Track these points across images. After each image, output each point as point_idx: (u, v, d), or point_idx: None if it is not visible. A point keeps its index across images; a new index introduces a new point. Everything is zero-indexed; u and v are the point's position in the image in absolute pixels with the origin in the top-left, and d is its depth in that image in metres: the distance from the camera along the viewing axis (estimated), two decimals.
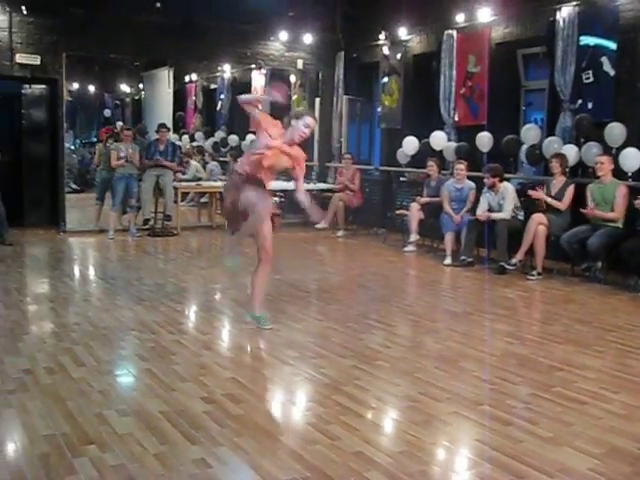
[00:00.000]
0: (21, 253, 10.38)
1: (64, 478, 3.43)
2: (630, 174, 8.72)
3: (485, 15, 10.88)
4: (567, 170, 9.10)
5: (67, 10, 11.80)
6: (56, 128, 12.48)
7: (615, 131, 8.89)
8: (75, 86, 21.05)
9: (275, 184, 14.20)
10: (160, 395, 4.58)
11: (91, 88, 22.96)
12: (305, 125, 6.16)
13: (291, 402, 4.70)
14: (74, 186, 17.47)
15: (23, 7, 11.63)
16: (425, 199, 10.66)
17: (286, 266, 9.39)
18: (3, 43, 11.68)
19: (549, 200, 8.86)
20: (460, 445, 4.03)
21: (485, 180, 9.37)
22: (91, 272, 9.59)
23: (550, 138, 9.73)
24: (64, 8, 11.77)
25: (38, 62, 11.92)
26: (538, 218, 8.80)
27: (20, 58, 11.78)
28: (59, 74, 12.12)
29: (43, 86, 12.65)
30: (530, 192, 9.13)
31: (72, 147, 21.07)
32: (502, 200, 9.27)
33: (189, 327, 6.62)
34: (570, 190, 8.85)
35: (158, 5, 12.35)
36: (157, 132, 12.36)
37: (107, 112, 23.62)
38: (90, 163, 18.18)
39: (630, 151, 8.64)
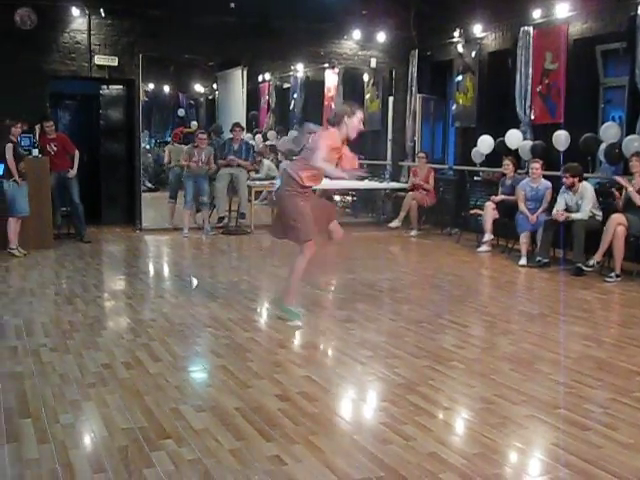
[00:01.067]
0: (99, 250, 10.63)
1: (142, 471, 3.50)
2: None
3: (563, 10, 10.66)
4: None
5: (143, 12, 12.02)
6: (132, 128, 12.74)
7: None
8: (151, 86, 21.45)
9: (348, 183, 14.31)
10: (235, 391, 4.63)
11: (166, 88, 23.34)
12: (360, 120, 6.37)
13: (365, 401, 4.69)
14: (149, 185, 17.81)
15: (101, 10, 11.91)
16: (500, 197, 10.52)
17: (359, 265, 9.40)
18: (82, 45, 11.98)
19: (634, 195, 8.59)
20: (536, 449, 3.96)
21: (564, 180, 9.17)
22: (166, 269, 9.75)
23: (630, 136, 9.49)
24: (140, 10, 12.00)
25: (116, 63, 12.19)
26: (617, 218, 8.58)
27: (98, 59, 12.07)
28: (135, 75, 12.37)
29: (120, 87, 12.95)
30: (617, 178, 8.91)
31: (147, 146, 21.47)
32: (580, 200, 9.08)
33: (263, 325, 6.68)
34: None
35: (232, 5, 12.46)
36: (231, 131, 12.51)
37: (181, 112, 23.98)
38: (164, 162, 18.50)
39: None
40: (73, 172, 10.87)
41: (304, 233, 6.42)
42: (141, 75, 12.47)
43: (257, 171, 14.39)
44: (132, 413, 4.21)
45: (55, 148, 10.84)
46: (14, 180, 9.53)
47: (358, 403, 4.65)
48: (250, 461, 3.62)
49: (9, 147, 9.54)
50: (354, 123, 6.36)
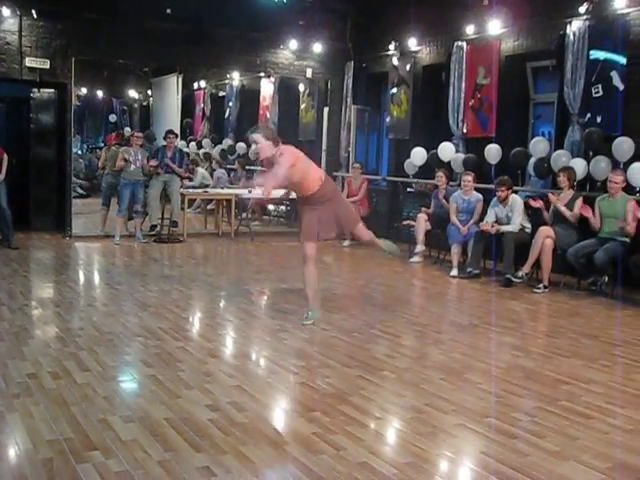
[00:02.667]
0: (27, 257, 10.39)
1: None
2: (638, 189, 8.69)
3: (495, 27, 10.88)
4: (575, 184, 9.08)
5: (77, 15, 11.82)
6: (64, 132, 12.48)
7: (624, 146, 8.86)
8: (84, 91, 21.13)
9: (282, 193, 14.30)
10: (165, 402, 4.57)
11: (99, 93, 23.02)
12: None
13: (296, 411, 4.68)
14: (81, 191, 17.53)
15: (33, 11, 11.65)
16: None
17: (292, 275, 9.37)
18: (13, 47, 11.71)
19: (561, 209, 8.80)
20: (465, 457, 4.01)
21: (498, 193, 9.31)
22: (96, 277, 9.59)
23: (558, 151, 9.72)
24: (74, 12, 11.79)
25: (47, 66, 11.92)
26: (545, 231, 8.78)
27: (29, 62, 11.79)
28: (68, 78, 12.13)
29: (52, 90, 12.70)
30: (530, 201, 9.13)
31: (79, 152, 21.14)
32: (510, 212, 9.25)
33: (194, 334, 6.61)
34: (580, 202, 8.82)
35: (168, 11, 12.37)
36: (165, 138, 12.35)
37: (112, 117, 23.68)
38: (97, 168, 18.23)
39: (638, 166, 8.61)
40: (1, 176, 10.59)
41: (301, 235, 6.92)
42: (74, 79, 12.23)
43: (191, 179, 14.29)
44: (58, 424, 4.12)
45: None
46: None
47: (289, 413, 4.64)
48: (179, 472, 3.57)
49: None
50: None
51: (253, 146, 6.69)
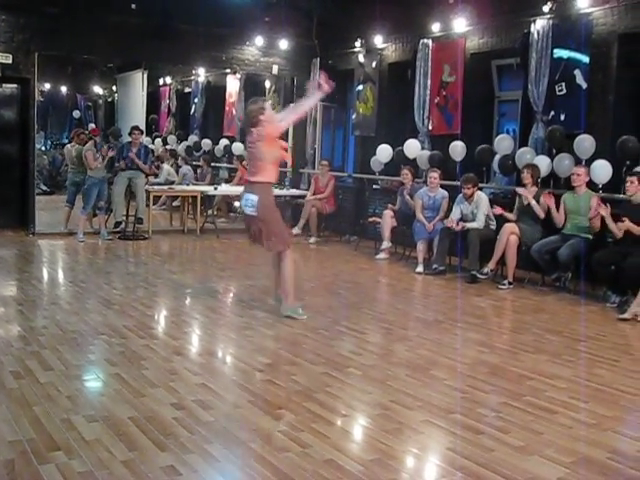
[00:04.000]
0: None
1: None
2: (600, 186, 8.79)
3: (460, 25, 10.93)
4: (539, 181, 9.16)
5: (40, 8, 11.65)
6: (27, 128, 12.31)
7: (585, 143, 8.95)
8: (47, 86, 20.86)
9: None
10: (129, 401, 4.53)
11: (63, 89, 22.75)
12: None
13: (262, 409, 4.65)
14: (44, 188, 17.32)
15: None
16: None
17: (258, 272, 9.35)
18: None
19: (532, 202, 8.85)
20: (431, 453, 4.03)
21: (465, 190, 9.36)
22: (60, 275, 9.48)
23: (523, 149, 9.79)
24: (37, 6, 11.63)
25: (10, 61, 11.73)
26: (510, 228, 8.85)
27: None
28: (31, 74, 11.95)
29: (14, 85, 12.49)
30: (495, 209, 9.21)
31: (43, 148, 20.88)
32: (476, 209, 9.31)
33: (159, 332, 6.55)
34: (545, 194, 8.88)
35: (133, 6, 12.25)
36: (130, 135, 12.24)
37: (77, 113, 23.42)
38: (60, 164, 18.03)
39: (600, 163, 8.71)
40: None
41: (286, 242, 6.92)
42: (37, 74, 12.06)
43: (156, 175, 14.18)
44: (20, 424, 4.06)
45: None
46: None
47: (254, 411, 4.61)
48: (144, 472, 3.55)
49: None
50: (268, 117, 6.65)
51: (260, 116, 6.60)
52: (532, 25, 9.70)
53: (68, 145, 13.03)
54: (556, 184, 9.40)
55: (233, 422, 4.32)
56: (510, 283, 8.77)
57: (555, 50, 9.48)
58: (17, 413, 4.24)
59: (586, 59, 9.18)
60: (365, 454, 3.91)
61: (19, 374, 4.98)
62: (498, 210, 9.17)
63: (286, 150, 7.25)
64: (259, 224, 6.76)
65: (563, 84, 9.42)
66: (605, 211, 7.90)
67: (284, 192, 13.78)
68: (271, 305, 7.49)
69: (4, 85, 12.48)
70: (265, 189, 6.75)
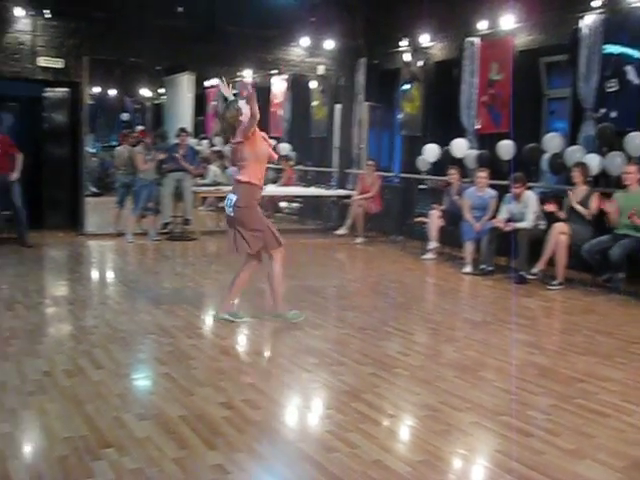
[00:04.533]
0: (41, 255, 10.43)
1: None
2: None
3: (508, 22, 10.82)
4: (589, 180, 9.02)
5: (90, 14, 11.84)
6: (77, 131, 12.52)
7: (637, 140, 8.80)
8: (96, 89, 21.17)
9: (295, 190, 14.29)
10: (179, 399, 4.57)
11: (112, 92, 23.07)
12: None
13: (310, 409, 4.67)
14: (93, 189, 17.55)
15: (47, 10, 11.69)
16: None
17: (305, 272, 9.38)
18: (26, 46, 11.75)
19: (577, 207, 8.74)
20: (480, 455, 3.99)
21: (514, 189, 9.26)
22: (110, 275, 9.60)
23: (572, 147, 9.66)
24: (87, 12, 11.81)
25: (60, 65, 11.97)
26: (560, 227, 8.73)
27: (43, 61, 11.84)
28: (81, 77, 12.17)
29: (65, 89, 12.71)
30: (546, 207, 9.07)
31: (92, 150, 21.17)
32: (524, 209, 9.21)
33: (207, 332, 6.61)
34: (596, 198, 8.76)
35: (180, 10, 12.37)
36: (177, 136, 12.37)
37: (125, 116, 23.75)
38: (109, 166, 18.26)
39: None
40: (15, 175, 10.62)
41: (273, 241, 6.55)
42: (87, 78, 12.27)
43: (203, 177, 14.28)
44: (72, 422, 4.13)
45: None
46: None
47: (303, 411, 4.63)
48: (193, 470, 3.57)
49: None
50: (245, 117, 6.39)
51: (240, 117, 6.42)
52: (581, 21, 9.56)
53: (119, 147, 13.20)
54: (607, 183, 9.25)
55: (281, 422, 4.33)
56: (560, 283, 8.65)
57: (605, 46, 9.34)
58: (70, 410, 4.31)
59: (638, 54, 9.02)
60: (413, 455, 3.89)
61: (71, 372, 5.06)
62: (550, 207, 9.02)
63: (274, 149, 7.02)
64: (236, 226, 6.49)
65: (614, 80, 9.26)
66: None
67: (330, 192, 13.80)
68: (318, 305, 7.50)
69: (55, 89, 12.70)
70: (245, 189, 6.40)
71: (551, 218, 9.09)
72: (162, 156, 11.79)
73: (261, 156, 6.47)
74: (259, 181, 6.46)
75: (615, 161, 9.01)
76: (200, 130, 19.28)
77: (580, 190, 8.89)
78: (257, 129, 6.39)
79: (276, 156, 7.16)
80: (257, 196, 6.52)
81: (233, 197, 6.43)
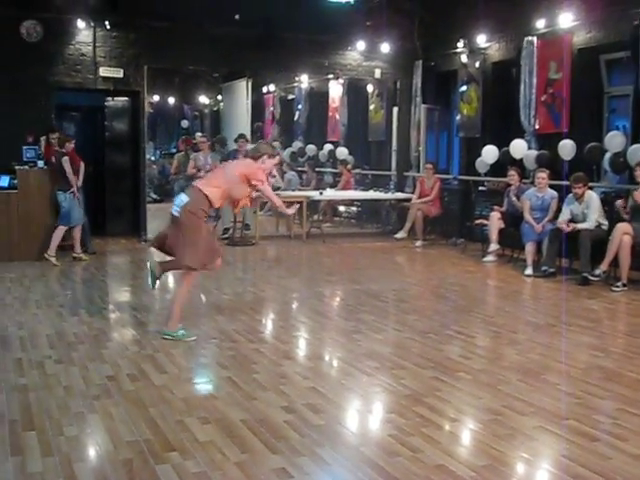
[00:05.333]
0: (104, 262, 10.62)
1: None
2: None
3: (566, 20, 10.66)
4: None
5: (148, 24, 12.05)
6: (137, 139, 12.76)
7: None
8: (156, 98, 21.52)
9: (353, 194, 14.30)
10: (241, 403, 4.60)
11: (171, 100, 23.44)
12: (274, 165, 6.87)
13: (371, 413, 4.67)
14: (154, 196, 17.84)
15: (106, 22, 11.94)
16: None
17: (365, 276, 9.38)
18: (87, 57, 12.01)
19: None
20: (545, 460, 3.92)
21: (576, 190, 9.09)
22: (171, 280, 9.72)
23: (635, 145, 9.46)
24: (145, 22, 12.03)
25: (121, 75, 12.20)
26: (623, 228, 8.55)
27: (103, 71, 12.09)
28: (141, 86, 12.40)
29: (125, 98, 12.97)
30: (619, 202, 8.87)
31: (152, 158, 21.52)
32: (586, 209, 9.05)
33: (269, 336, 6.64)
34: None
35: (237, 17, 12.50)
36: (236, 142, 12.51)
37: (185, 123, 24.09)
38: (169, 173, 18.53)
39: None
40: (79, 184, 10.86)
41: (195, 260, 6.11)
42: (146, 87, 12.50)
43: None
44: (137, 426, 4.19)
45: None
46: (72, 192, 10.02)
47: (364, 415, 4.62)
48: (256, 474, 3.60)
49: (66, 160, 9.99)
50: (268, 165, 6.53)
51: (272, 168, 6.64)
52: None
53: (178, 154, 13.40)
54: None
55: (343, 426, 4.33)
56: (624, 285, 8.47)
57: None
58: (134, 414, 4.38)
59: None
60: (476, 460, 3.85)
61: (135, 377, 5.14)
62: (621, 202, 8.82)
63: (250, 201, 7.01)
64: (176, 229, 6.17)
65: None
66: None
67: (389, 195, 13.76)
68: (379, 309, 7.49)
69: (115, 98, 12.96)
70: (201, 199, 6.11)
71: (613, 217, 8.92)
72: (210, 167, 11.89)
73: (237, 194, 6.44)
74: (215, 199, 6.22)
75: None
76: (258, 135, 19.42)
77: None
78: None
79: (245, 204, 6.98)
80: (207, 210, 6.27)
81: (184, 198, 6.13)
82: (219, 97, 20.57)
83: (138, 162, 12.76)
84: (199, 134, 17.85)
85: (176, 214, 6.10)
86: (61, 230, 10.04)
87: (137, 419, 4.30)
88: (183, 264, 6.18)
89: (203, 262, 6.20)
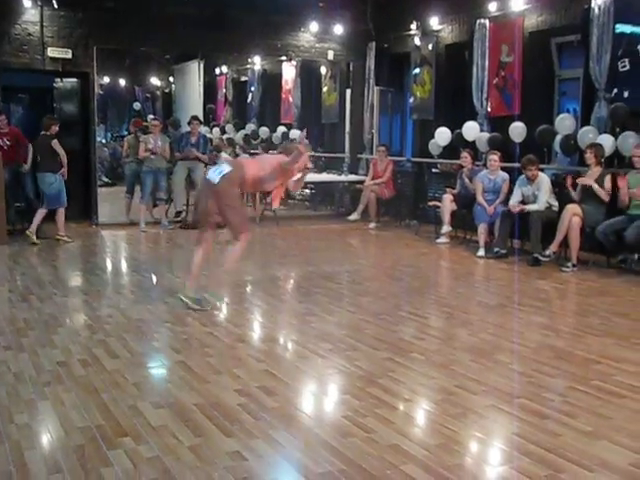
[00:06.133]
0: (54, 246, 10.44)
1: (99, 470, 3.43)
2: None
3: (518, 3, 10.72)
4: (603, 161, 8.95)
5: (98, 3, 11.83)
6: (88, 122, 12.54)
7: None
8: (106, 80, 21.20)
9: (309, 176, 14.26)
10: (194, 387, 4.58)
11: (122, 81, 23.12)
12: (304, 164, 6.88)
13: (325, 395, 4.68)
14: (106, 179, 17.63)
15: (54, 1, 11.66)
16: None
17: (318, 258, 9.38)
18: (35, 37, 11.73)
19: (595, 187, 8.66)
20: (497, 438, 3.97)
21: (528, 172, 9.17)
22: (123, 264, 9.63)
23: (585, 128, 9.59)
24: (95, 1, 11.81)
25: (69, 56, 11.95)
26: (572, 209, 8.67)
27: (51, 52, 11.82)
28: (90, 67, 12.17)
29: (74, 80, 12.72)
30: (579, 180, 8.92)
31: (103, 140, 21.23)
32: (537, 191, 9.15)
33: (222, 319, 6.61)
34: (609, 179, 8.69)
35: None
36: (189, 124, 12.39)
37: (137, 105, 23.78)
38: (121, 156, 18.32)
39: None
40: (27, 167, 10.69)
41: (246, 223, 6.70)
42: (96, 68, 12.27)
43: (215, 164, 14.25)
44: (89, 411, 4.14)
45: (8, 142, 10.62)
46: (62, 173, 10.27)
47: (319, 397, 4.63)
48: (210, 457, 3.58)
49: (56, 142, 10.18)
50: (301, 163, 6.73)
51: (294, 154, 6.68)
52: (593, 0, 9.45)
53: (128, 136, 13.23)
54: (621, 163, 9.18)
55: (297, 408, 4.33)
56: (574, 265, 8.61)
57: (617, 25, 9.24)
58: (86, 400, 4.32)
59: None
60: (430, 439, 3.88)
61: (86, 362, 5.08)
62: (586, 180, 8.85)
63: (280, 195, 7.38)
64: (217, 199, 6.40)
65: (626, 60, 9.18)
66: None
67: (342, 178, 13.77)
68: (332, 291, 7.50)
69: (64, 80, 12.71)
70: (240, 176, 6.46)
71: (563, 198, 9.03)
72: (156, 149, 11.79)
73: (269, 180, 6.71)
74: (248, 183, 6.62)
75: (628, 141, 8.93)
76: (211, 118, 19.28)
77: (594, 172, 8.82)
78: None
79: (277, 198, 7.43)
80: (239, 186, 6.59)
81: (226, 168, 6.46)
82: (171, 79, 20.37)
83: (89, 145, 12.55)
84: (151, 116, 17.69)
85: (215, 182, 6.35)
86: (43, 212, 10.30)
87: (89, 405, 4.24)
88: (239, 230, 6.53)
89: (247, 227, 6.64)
